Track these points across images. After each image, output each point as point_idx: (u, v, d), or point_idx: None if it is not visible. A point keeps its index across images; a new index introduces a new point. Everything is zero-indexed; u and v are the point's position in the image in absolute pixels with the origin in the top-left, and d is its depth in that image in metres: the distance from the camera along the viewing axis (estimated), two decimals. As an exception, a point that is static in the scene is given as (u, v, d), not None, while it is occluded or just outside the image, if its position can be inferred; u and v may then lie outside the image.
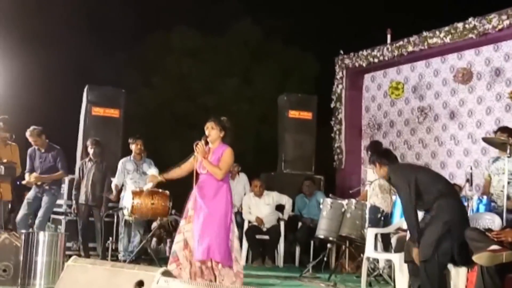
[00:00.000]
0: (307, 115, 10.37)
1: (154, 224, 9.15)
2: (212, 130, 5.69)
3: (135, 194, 7.43)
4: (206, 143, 5.69)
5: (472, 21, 8.26)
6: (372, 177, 7.74)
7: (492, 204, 6.18)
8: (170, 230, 9.84)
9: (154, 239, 9.68)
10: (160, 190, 7.75)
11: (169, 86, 14.76)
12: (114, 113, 9.56)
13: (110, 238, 7.81)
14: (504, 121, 8.09)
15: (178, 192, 8.61)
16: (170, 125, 14.63)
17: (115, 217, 7.98)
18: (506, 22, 7.83)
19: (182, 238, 5.55)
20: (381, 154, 5.55)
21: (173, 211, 8.00)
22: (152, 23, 14.80)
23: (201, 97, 15.15)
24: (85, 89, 9.54)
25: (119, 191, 8.18)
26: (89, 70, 12.16)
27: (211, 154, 5.69)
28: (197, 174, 5.71)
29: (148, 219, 7.99)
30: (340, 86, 10.64)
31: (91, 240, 8.41)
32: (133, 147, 8.22)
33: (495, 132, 6.70)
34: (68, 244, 8.10)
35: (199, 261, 5.45)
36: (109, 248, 7.75)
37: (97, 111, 9.45)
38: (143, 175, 8.12)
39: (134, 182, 8.03)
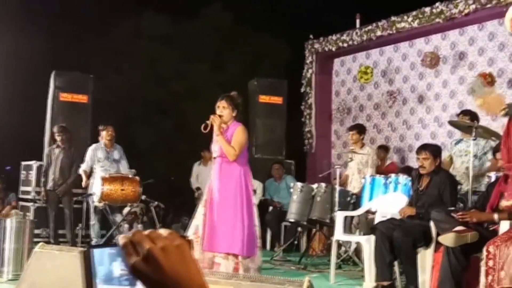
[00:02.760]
0: (277, 99, 10.40)
1: (126, 210, 9.11)
2: (224, 110, 5.29)
3: (104, 180, 7.41)
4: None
5: (439, 6, 8.35)
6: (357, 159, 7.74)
7: (458, 186, 6.29)
8: (142, 215, 9.82)
9: (126, 225, 9.63)
10: (130, 176, 7.75)
11: (139, 72, 14.61)
12: (82, 98, 9.47)
13: (80, 225, 7.78)
14: (466, 104, 8.21)
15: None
16: (140, 111, 14.50)
17: (85, 203, 7.94)
18: (472, 7, 7.92)
19: (195, 223, 5.30)
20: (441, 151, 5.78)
21: (144, 197, 7.97)
22: (122, 8, 14.59)
23: (172, 82, 15.04)
24: (52, 75, 9.42)
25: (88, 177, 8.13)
26: (57, 55, 11.97)
27: (224, 134, 5.32)
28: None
29: (118, 205, 7.96)
30: (310, 71, 10.68)
31: (61, 226, 8.34)
32: (103, 134, 8.12)
33: (458, 115, 6.82)
34: (38, 231, 8.03)
35: (212, 252, 5.19)
36: (78, 235, 7.72)
37: (65, 96, 9.35)
38: (114, 162, 8.08)
39: (105, 170, 7.95)
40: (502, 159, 4.48)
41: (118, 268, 1.10)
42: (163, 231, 1.06)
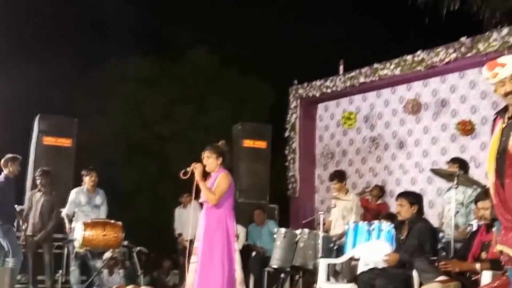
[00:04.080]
0: (261, 144, 10.43)
1: (106, 255, 8.99)
2: (208, 159, 5.55)
3: (86, 225, 7.32)
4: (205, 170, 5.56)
5: (420, 54, 8.49)
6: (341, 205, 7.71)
7: (441, 234, 6.30)
8: (123, 260, 9.70)
9: (106, 270, 9.49)
10: (112, 221, 7.66)
11: (124, 114, 14.65)
12: (66, 142, 9.47)
13: (60, 271, 7.66)
14: (449, 151, 8.32)
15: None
16: (124, 154, 14.47)
17: (66, 249, 7.84)
18: (453, 56, 8.06)
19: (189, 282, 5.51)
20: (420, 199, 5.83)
21: (126, 242, 7.88)
22: (107, 51, 14.71)
23: (156, 125, 15.09)
24: (37, 118, 9.42)
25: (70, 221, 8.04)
26: (41, 98, 11.99)
27: (209, 180, 5.58)
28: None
29: (100, 250, 7.85)
30: (294, 116, 10.75)
31: (40, 272, 8.19)
32: (86, 179, 8.06)
33: (448, 163, 6.86)
34: (17, 277, 7.88)
35: None
36: (58, 281, 7.60)
37: (49, 140, 9.34)
38: (95, 208, 8.01)
39: (86, 216, 7.85)
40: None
41: None
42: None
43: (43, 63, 12.65)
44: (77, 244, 7.36)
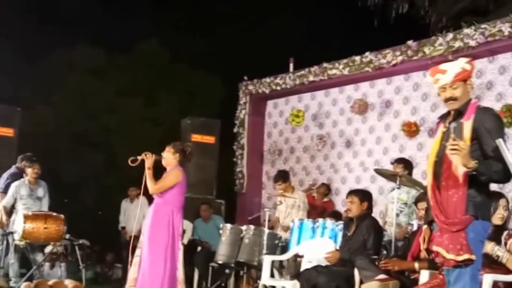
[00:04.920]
0: (210, 139, 10.43)
1: (48, 249, 8.82)
2: (167, 153, 5.73)
3: (27, 218, 7.17)
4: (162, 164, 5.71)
5: (368, 55, 8.62)
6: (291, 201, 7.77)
7: (384, 232, 6.43)
8: (66, 254, 9.54)
9: (47, 264, 9.32)
10: (54, 214, 7.52)
11: (70, 105, 14.35)
12: (8, 132, 9.27)
13: (-1, 264, 7.48)
14: (390, 151, 8.52)
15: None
16: (69, 145, 14.18)
17: (5, 241, 7.64)
18: (400, 58, 8.22)
19: (131, 277, 5.60)
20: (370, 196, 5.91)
21: (68, 236, 7.74)
22: (53, 38, 14.37)
23: (103, 116, 14.84)
24: (-23, 107, 9.17)
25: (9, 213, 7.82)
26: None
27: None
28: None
29: (40, 243, 7.68)
30: (243, 111, 10.77)
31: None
32: (29, 170, 7.84)
33: (393, 163, 6.99)
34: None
35: None
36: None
37: (-11, 130, 9.10)
38: (37, 200, 7.82)
39: (27, 208, 7.65)
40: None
41: None
42: (69, 283, 1.07)
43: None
44: (17, 236, 7.21)
